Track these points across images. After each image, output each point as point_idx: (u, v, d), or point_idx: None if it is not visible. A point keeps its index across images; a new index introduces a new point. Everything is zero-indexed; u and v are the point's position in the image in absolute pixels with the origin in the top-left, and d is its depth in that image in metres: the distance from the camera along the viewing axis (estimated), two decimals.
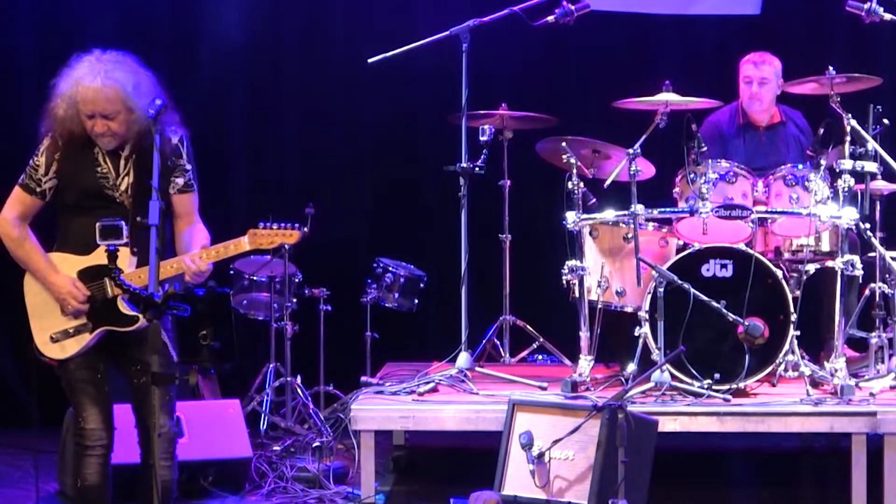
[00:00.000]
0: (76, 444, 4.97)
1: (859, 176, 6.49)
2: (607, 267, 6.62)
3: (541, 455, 5.45)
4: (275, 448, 6.93)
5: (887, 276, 6.66)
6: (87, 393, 4.95)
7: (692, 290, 6.14)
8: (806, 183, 6.42)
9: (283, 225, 4.94)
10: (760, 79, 7.24)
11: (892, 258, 6.66)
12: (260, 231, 4.90)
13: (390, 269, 7.80)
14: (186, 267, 4.80)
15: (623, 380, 6.40)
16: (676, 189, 6.70)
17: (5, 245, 5.03)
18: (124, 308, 4.88)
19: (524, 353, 7.42)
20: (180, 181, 5.02)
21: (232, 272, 7.68)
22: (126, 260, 4.85)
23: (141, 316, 4.75)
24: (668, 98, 6.66)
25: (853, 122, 6.39)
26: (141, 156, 4.92)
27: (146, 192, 4.77)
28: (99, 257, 4.82)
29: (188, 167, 5.04)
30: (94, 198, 4.91)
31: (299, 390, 7.55)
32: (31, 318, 5.04)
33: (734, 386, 6.18)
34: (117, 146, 4.92)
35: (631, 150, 6.47)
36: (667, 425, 5.86)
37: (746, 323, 6.11)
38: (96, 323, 4.91)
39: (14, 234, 4.98)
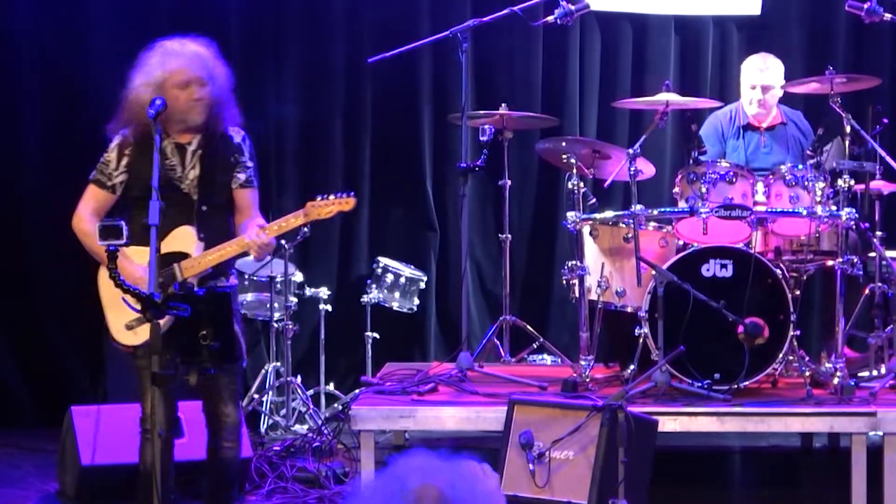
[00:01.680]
0: (141, 430, 5.14)
1: (859, 176, 6.49)
2: (607, 267, 6.61)
3: (541, 455, 5.45)
4: (275, 448, 6.92)
5: (887, 275, 6.66)
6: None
7: (692, 290, 6.14)
8: (806, 183, 6.42)
9: (337, 195, 5.15)
10: (764, 85, 7.22)
11: (892, 258, 6.66)
12: (317, 202, 5.11)
13: (390, 269, 7.80)
14: (250, 242, 5.04)
15: (623, 380, 6.41)
16: (676, 189, 6.69)
17: (80, 240, 5.21)
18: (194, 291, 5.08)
19: (524, 353, 7.42)
20: (241, 177, 5.25)
21: (232, 272, 7.68)
22: (193, 245, 5.11)
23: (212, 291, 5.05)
24: (668, 98, 6.66)
25: (853, 122, 6.39)
26: (207, 150, 5.17)
27: (212, 183, 5.15)
28: (166, 246, 5.04)
29: (249, 164, 5.29)
30: (161, 187, 5.01)
31: (299, 390, 7.55)
32: (106, 310, 5.17)
33: (734, 386, 6.18)
34: (202, 122, 5.15)
35: (631, 150, 6.47)
36: (667, 425, 5.86)
37: (746, 323, 6.11)
38: None
39: (87, 228, 5.16)
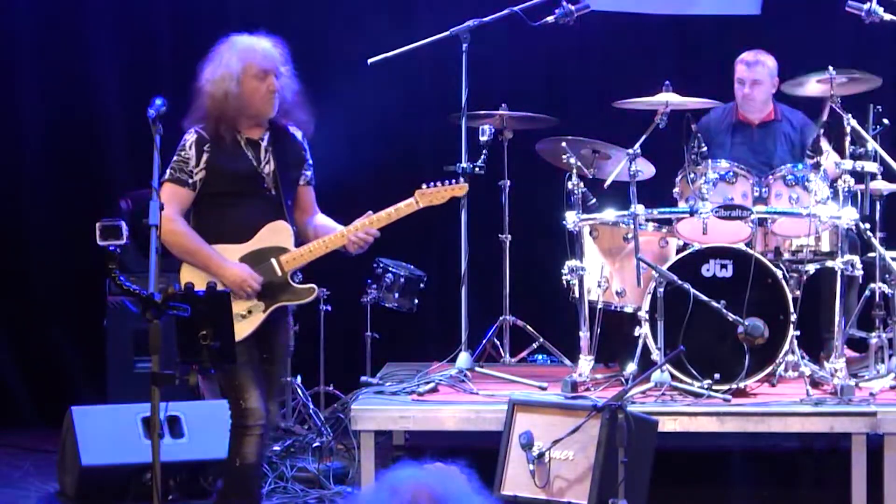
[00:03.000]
0: (235, 426, 5.14)
1: (859, 176, 6.49)
2: (607, 267, 6.62)
3: (541, 455, 5.45)
4: (275, 448, 6.92)
5: (887, 276, 6.65)
6: (248, 374, 5.10)
7: (692, 290, 6.14)
8: (806, 183, 6.42)
9: (448, 181, 5.29)
10: (752, 80, 7.24)
11: (892, 258, 6.66)
12: (427, 189, 5.17)
13: (390, 269, 7.79)
14: (357, 238, 5.26)
15: (623, 380, 6.41)
16: (676, 189, 6.70)
17: (169, 242, 5.10)
18: (296, 283, 5.21)
19: (524, 353, 7.42)
20: (308, 174, 5.39)
21: None
22: (290, 239, 5.20)
23: (315, 286, 5.25)
24: (668, 98, 6.66)
25: (853, 122, 6.39)
26: (277, 146, 5.22)
27: (287, 179, 5.21)
28: (259, 242, 5.13)
29: (311, 162, 5.39)
30: (246, 181, 5.13)
31: (299, 390, 7.54)
32: None
33: (734, 386, 6.18)
34: (272, 116, 5.19)
35: (631, 150, 6.47)
36: (667, 425, 5.86)
37: (746, 323, 6.11)
38: (269, 302, 5.14)
39: (179, 228, 5.11)
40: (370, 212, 5.28)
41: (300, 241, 5.32)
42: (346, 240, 5.24)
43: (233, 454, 5.16)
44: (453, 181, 5.40)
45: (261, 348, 5.18)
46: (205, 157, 5.14)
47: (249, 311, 5.09)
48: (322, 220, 5.42)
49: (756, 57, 7.27)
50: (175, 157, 5.17)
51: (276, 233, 5.19)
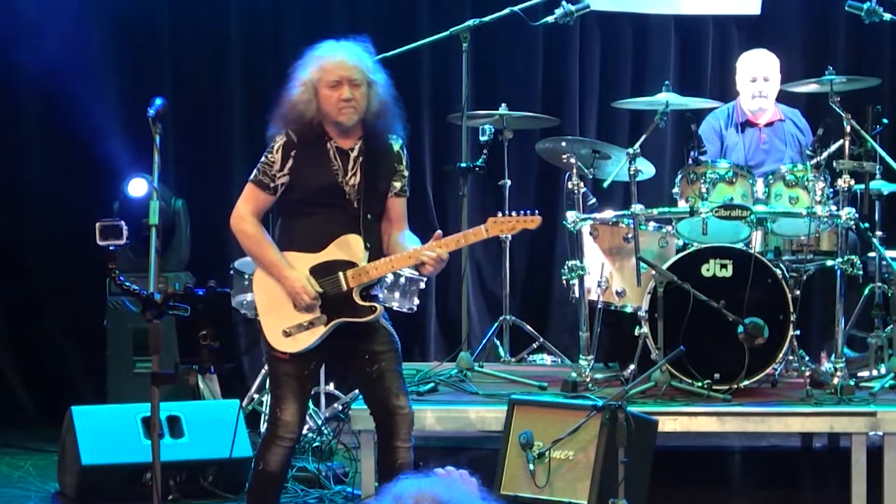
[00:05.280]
0: (268, 430, 5.10)
1: (859, 176, 6.49)
2: (607, 267, 6.62)
3: (541, 455, 5.44)
4: None
5: (887, 275, 6.66)
6: (291, 387, 5.04)
7: (692, 290, 6.14)
8: (806, 183, 6.42)
9: (523, 212, 5.09)
10: (764, 76, 7.24)
11: (892, 258, 6.66)
12: (500, 218, 5.07)
13: None
14: (427, 257, 4.97)
15: (623, 380, 6.41)
16: (676, 189, 6.70)
17: (240, 241, 5.10)
18: (360, 300, 5.07)
19: (524, 353, 7.42)
20: (398, 185, 5.17)
21: (232, 272, 7.68)
22: (362, 254, 5.04)
23: (378, 306, 5.09)
24: (668, 98, 6.66)
25: (853, 122, 6.39)
26: (368, 158, 5.06)
27: (374, 192, 5.05)
28: (330, 254, 5.01)
29: (406, 173, 5.19)
30: (327, 193, 5.02)
31: None
32: (262, 314, 5.08)
33: (734, 386, 6.18)
34: (353, 125, 5.03)
35: (631, 150, 6.47)
36: (667, 425, 5.86)
37: (746, 323, 6.11)
38: (331, 316, 5.04)
39: (250, 230, 5.05)
40: (439, 231, 5.06)
41: (384, 253, 5.16)
42: (413, 261, 5.04)
43: (259, 456, 5.14)
44: (527, 212, 5.10)
45: (358, 354, 5.12)
46: (290, 162, 5.03)
47: (311, 323, 4.99)
48: (403, 238, 5.17)
49: (763, 54, 7.28)
50: (262, 159, 5.08)
51: (347, 246, 5.05)
